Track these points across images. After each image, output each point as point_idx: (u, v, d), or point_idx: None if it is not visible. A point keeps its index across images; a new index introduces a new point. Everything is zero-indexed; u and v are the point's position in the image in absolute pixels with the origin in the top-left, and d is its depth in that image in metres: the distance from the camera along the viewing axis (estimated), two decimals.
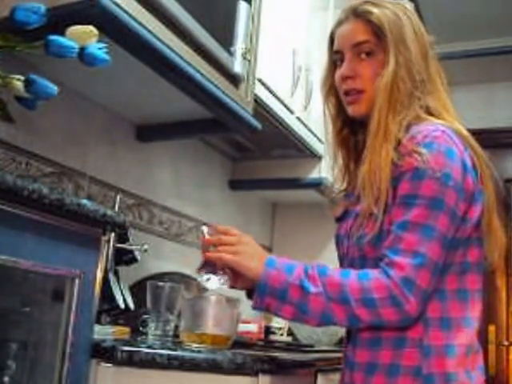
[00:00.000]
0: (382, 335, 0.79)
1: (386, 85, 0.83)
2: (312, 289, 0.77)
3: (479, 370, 0.81)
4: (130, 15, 0.94)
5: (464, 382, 0.77)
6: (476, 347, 0.82)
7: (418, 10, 2.21)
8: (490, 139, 2.71)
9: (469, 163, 0.81)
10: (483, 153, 0.85)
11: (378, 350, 0.79)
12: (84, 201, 0.79)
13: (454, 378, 0.77)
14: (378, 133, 0.83)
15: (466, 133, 0.85)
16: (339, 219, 0.94)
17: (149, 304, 1.06)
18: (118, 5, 0.91)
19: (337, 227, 0.95)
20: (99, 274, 0.84)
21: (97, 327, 0.89)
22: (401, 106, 0.83)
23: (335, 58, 0.92)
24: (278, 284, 0.79)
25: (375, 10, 0.86)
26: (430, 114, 0.85)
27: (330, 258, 0.93)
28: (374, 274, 0.77)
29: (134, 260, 1.25)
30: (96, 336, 0.87)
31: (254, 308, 0.82)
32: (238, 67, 1.25)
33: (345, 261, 0.89)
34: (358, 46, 0.87)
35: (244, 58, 1.26)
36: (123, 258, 1.23)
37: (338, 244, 0.94)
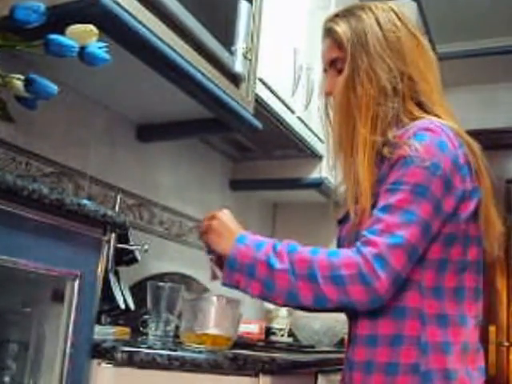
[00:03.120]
0: (378, 332, 0.78)
1: (337, 94, 0.88)
2: (278, 265, 0.76)
3: (479, 370, 0.81)
4: (131, 14, 0.93)
5: (464, 381, 0.77)
6: (475, 346, 0.81)
7: (420, 9, 2.20)
8: (492, 140, 2.70)
9: (461, 160, 0.81)
10: (480, 151, 0.85)
11: (374, 348, 0.79)
12: (84, 201, 0.79)
13: (454, 375, 0.76)
14: (343, 144, 0.87)
15: (461, 131, 0.85)
16: (341, 221, 0.94)
17: (149, 304, 1.05)
18: (118, 4, 0.90)
19: (339, 229, 0.95)
20: (99, 275, 0.84)
21: (97, 327, 0.89)
22: (366, 109, 0.84)
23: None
24: (247, 259, 0.78)
25: (337, 27, 0.90)
26: (424, 110, 0.85)
27: None
28: (345, 251, 0.77)
29: (134, 260, 1.25)
30: (96, 336, 0.86)
31: (224, 284, 0.81)
32: (238, 66, 1.24)
33: None
34: (333, 63, 0.91)
35: (245, 58, 1.26)
36: (124, 258, 1.23)
37: (339, 247, 0.94)
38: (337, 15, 0.92)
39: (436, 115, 0.85)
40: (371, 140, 0.83)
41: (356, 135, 0.84)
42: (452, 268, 0.79)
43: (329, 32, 0.92)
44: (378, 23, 0.88)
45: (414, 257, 0.76)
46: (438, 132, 0.80)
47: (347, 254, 0.76)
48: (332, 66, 0.91)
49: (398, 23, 0.88)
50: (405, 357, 0.76)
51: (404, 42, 0.87)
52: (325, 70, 0.95)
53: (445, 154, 0.78)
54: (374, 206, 0.80)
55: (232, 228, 0.84)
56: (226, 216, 0.86)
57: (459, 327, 0.79)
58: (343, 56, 0.88)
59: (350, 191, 0.85)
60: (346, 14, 0.91)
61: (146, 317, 1.07)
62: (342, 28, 0.89)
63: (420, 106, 0.86)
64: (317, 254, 0.77)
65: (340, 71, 0.89)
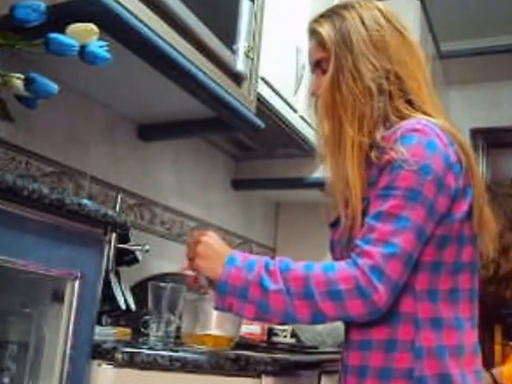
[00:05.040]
0: (372, 337, 0.78)
1: (322, 94, 0.88)
2: (272, 286, 0.74)
3: (476, 373, 0.79)
4: (131, 13, 0.93)
5: None
6: (472, 349, 0.80)
7: (424, 7, 2.18)
8: (497, 138, 2.68)
9: (453, 158, 0.79)
10: (471, 149, 0.84)
11: (369, 352, 0.78)
12: (85, 201, 0.78)
13: (448, 379, 0.75)
14: (329, 144, 0.86)
15: (452, 129, 0.83)
16: (333, 225, 0.93)
17: (150, 305, 1.05)
18: (118, 2, 0.90)
19: (331, 233, 0.94)
20: (100, 275, 0.83)
21: (98, 328, 0.88)
22: (352, 109, 0.83)
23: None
24: (239, 282, 0.76)
25: (320, 28, 0.89)
26: (413, 107, 0.84)
27: None
28: (340, 264, 0.75)
29: (135, 260, 1.25)
30: (97, 337, 0.86)
31: (216, 308, 0.80)
32: (240, 65, 1.23)
33: None
34: (319, 63, 0.91)
35: (247, 57, 1.25)
36: (124, 258, 1.22)
37: (332, 250, 0.93)
38: (321, 15, 0.92)
39: (424, 112, 0.83)
40: (358, 140, 0.82)
41: (343, 135, 0.83)
42: (446, 270, 0.78)
43: (313, 33, 0.92)
44: (362, 22, 0.87)
45: (410, 264, 0.75)
46: (426, 131, 0.78)
47: (343, 267, 0.74)
48: (318, 66, 0.91)
49: (383, 21, 0.87)
50: (398, 362, 0.75)
51: (389, 40, 0.86)
52: (312, 71, 0.95)
53: (435, 153, 0.77)
54: (364, 210, 0.79)
55: (220, 250, 0.82)
56: (211, 239, 0.83)
57: (454, 330, 0.77)
58: (327, 56, 0.88)
59: (339, 194, 0.84)
60: (330, 13, 0.91)
61: (147, 317, 1.06)
62: (325, 29, 0.89)
63: (409, 103, 0.84)
64: (312, 270, 0.75)
65: (325, 71, 0.88)
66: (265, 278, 0.75)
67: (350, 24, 0.87)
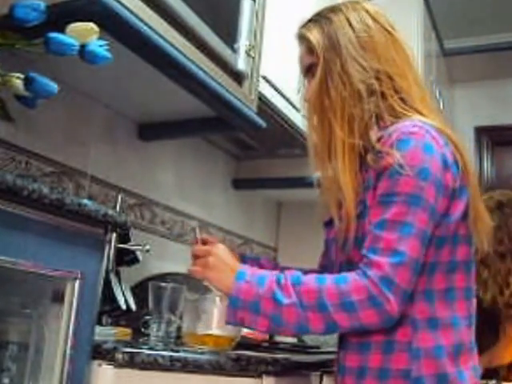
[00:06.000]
0: (370, 339, 0.78)
1: (311, 99, 0.88)
2: (285, 300, 0.75)
3: (473, 370, 0.80)
4: (132, 12, 0.92)
5: (455, 383, 0.76)
6: (468, 346, 0.80)
7: (427, 4, 2.17)
8: (502, 136, 2.67)
9: (449, 158, 0.79)
10: (464, 147, 0.84)
11: (367, 354, 0.78)
12: (85, 200, 0.78)
13: (445, 378, 0.76)
14: (320, 148, 0.87)
15: (446, 129, 0.83)
16: (328, 224, 0.93)
17: (151, 305, 1.04)
18: (118, 1, 0.89)
19: (325, 232, 0.94)
20: (100, 275, 0.83)
21: (98, 328, 0.88)
22: (341, 112, 0.83)
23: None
24: (250, 297, 0.77)
25: (308, 33, 0.90)
26: (406, 104, 0.84)
27: None
28: (351, 276, 0.76)
29: (135, 260, 1.24)
30: (97, 337, 0.86)
31: (228, 323, 0.80)
32: (241, 64, 1.23)
33: (334, 266, 0.88)
34: (309, 68, 0.91)
35: (248, 55, 1.25)
36: (125, 258, 1.22)
37: (327, 249, 0.93)
38: (310, 20, 0.92)
39: (416, 110, 0.83)
40: (350, 142, 0.82)
41: (333, 138, 0.84)
42: (441, 269, 0.79)
43: (301, 39, 0.92)
44: (350, 24, 0.87)
45: (417, 269, 0.76)
46: (422, 134, 0.78)
47: (354, 278, 0.75)
48: (309, 71, 0.91)
49: (370, 21, 0.88)
50: (396, 362, 0.76)
51: (378, 41, 0.86)
52: (304, 77, 0.95)
53: (432, 156, 0.77)
54: (360, 213, 0.79)
55: (230, 263, 0.83)
56: (222, 251, 0.85)
57: (451, 329, 0.78)
58: (317, 61, 0.88)
59: (332, 196, 0.84)
60: (317, 18, 0.91)
61: (148, 317, 1.06)
62: (313, 34, 0.89)
63: (402, 101, 0.84)
64: (323, 283, 0.76)
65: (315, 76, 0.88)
66: (277, 292, 0.76)
67: (338, 27, 0.87)
